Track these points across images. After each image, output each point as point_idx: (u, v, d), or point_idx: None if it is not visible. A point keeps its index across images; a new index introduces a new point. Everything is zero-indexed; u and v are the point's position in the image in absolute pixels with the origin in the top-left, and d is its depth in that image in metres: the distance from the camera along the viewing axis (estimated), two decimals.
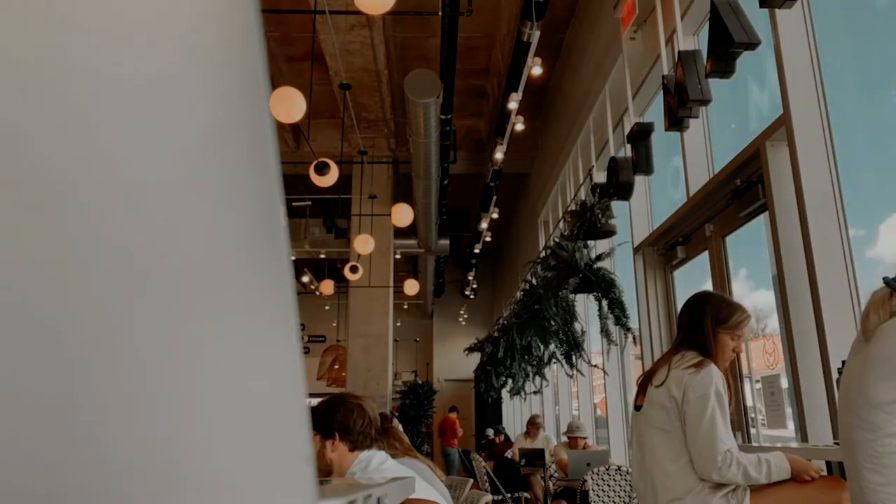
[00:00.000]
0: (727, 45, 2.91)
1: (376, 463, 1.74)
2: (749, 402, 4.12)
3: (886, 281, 1.85)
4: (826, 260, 3.04)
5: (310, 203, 11.61)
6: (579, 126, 7.00)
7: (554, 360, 6.27)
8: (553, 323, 5.57)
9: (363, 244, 7.16)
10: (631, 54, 5.11)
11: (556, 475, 6.08)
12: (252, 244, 0.34)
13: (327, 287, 9.07)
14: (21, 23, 0.29)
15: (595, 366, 6.34)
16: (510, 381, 7.98)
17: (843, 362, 2.05)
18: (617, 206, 5.21)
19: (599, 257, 5.24)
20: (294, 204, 11.55)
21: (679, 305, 5.32)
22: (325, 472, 1.75)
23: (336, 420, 1.76)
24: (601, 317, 5.06)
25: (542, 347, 6.51)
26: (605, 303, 5.06)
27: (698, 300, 2.25)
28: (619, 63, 5.45)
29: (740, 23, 2.90)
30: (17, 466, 0.28)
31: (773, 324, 3.85)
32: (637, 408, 2.25)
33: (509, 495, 6.73)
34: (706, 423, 1.99)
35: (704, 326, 2.15)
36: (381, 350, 9.31)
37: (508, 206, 12.53)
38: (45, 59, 0.30)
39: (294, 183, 10.91)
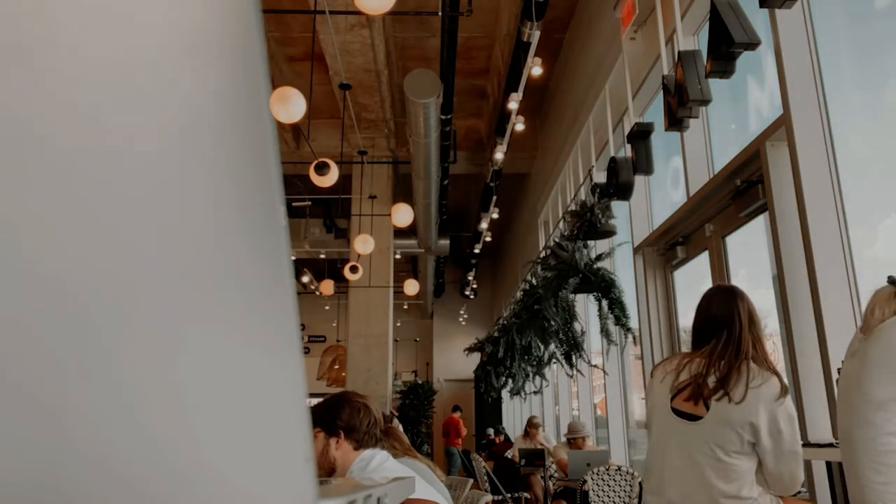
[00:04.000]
0: (727, 45, 2.91)
1: (377, 463, 1.73)
2: None
3: (891, 279, 1.85)
4: (826, 260, 3.04)
5: (310, 203, 11.61)
6: (579, 126, 7.00)
7: (554, 360, 6.28)
8: (553, 323, 5.57)
9: (363, 244, 7.17)
10: (631, 54, 5.11)
11: (556, 475, 6.08)
12: (252, 244, 0.34)
13: (327, 287, 9.07)
14: (22, 22, 0.29)
15: (595, 366, 6.34)
16: (510, 381, 7.98)
17: (843, 362, 2.04)
18: (617, 206, 5.21)
19: (599, 257, 5.24)
20: (294, 204, 11.55)
21: (679, 306, 5.36)
22: (328, 470, 1.73)
23: (341, 418, 1.75)
24: (601, 317, 5.06)
25: (542, 347, 6.51)
26: (605, 303, 5.06)
27: (745, 299, 1.97)
28: (619, 63, 5.45)
29: (740, 23, 2.90)
30: (23, 469, 0.28)
31: (773, 324, 3.85)
32: (687, 416, 1.91)
33: (509, 495, 6.73)
34: (798, 447, 1.87)
35: (755, 336, 1.93)
36: (381, 350, 9.31)
37: (508, 206, 12.53)
38: (46, 59, 0.30)
39: (294, 183, 10.91)
